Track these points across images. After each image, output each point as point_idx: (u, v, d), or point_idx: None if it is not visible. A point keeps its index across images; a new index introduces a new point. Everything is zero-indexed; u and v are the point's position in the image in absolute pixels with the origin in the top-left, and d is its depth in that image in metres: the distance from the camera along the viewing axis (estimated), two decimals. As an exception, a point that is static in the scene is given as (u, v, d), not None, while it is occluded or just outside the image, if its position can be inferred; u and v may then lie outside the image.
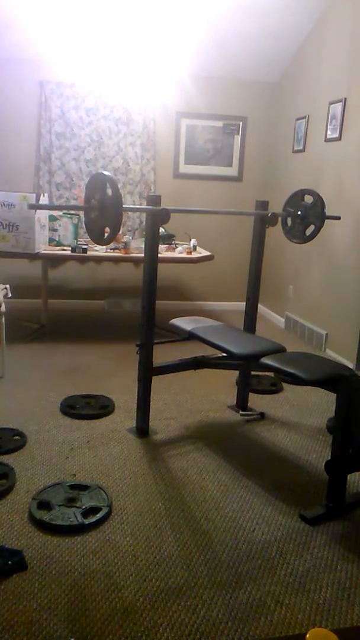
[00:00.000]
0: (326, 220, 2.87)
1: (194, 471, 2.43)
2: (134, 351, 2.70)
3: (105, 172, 2.33)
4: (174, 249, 4.32)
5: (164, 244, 4.30)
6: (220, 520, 2.09)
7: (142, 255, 2.65)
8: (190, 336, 2.78)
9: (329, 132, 4.04)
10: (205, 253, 4.34)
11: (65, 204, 4.90)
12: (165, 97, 4.91)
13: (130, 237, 4.55)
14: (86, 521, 1.99)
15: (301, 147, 4.55)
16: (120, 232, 3.97)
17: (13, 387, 3.28)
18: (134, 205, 5.01)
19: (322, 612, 1.66)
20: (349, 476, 2.18)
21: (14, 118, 4.74)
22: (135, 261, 4.48)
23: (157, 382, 2.81)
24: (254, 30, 4.34)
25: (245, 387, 3.14)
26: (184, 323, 2.91)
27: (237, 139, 5.21)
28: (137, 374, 2.71)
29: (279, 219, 2.93)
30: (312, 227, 2.91)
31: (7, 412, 2.91)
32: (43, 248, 3.99)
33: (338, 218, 3.09)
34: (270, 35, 4.44)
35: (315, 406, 3.17)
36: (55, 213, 4.18)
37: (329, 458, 2.14)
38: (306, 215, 2.91)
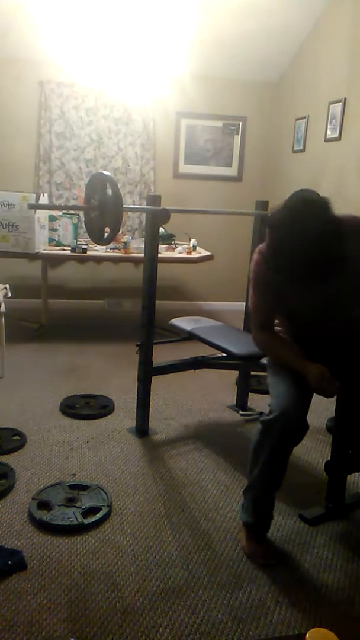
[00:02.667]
0: (326, 220, 2.86)
1: (193, 471, 2.43)
2: (134, 351, 2.70)
3: (105, 172, 2.34)
4: (173, 249, 4.32)
5: (164, 244, 4.30)
6: (220, 520, 2.09)
7: (142, 255, 2.65)
8: (190, 336, 2.78)
9: (328, 132, 4.04)
10: (205, 253, 4.34)
11: (65, 204, 4.90)
12: (165, 97, 4.91)
13: (130, 237, 4.55)
14: (86, 521, 1.99)
15: (301, 147, 4.55)
16: (120, 232, 3.97)
17: (13, 387, 3.28)
18: (134, 205, 5.01)
19: (322, 612, 1.66)
20: (348, 476, 2.18)
21: (14, 118, 4.73)
22: (135, 261, 4.48)
23: (157, 382, 2.81)
24: (254, 30, 4.34)
25: (245, 387, 3.14)
26: (184, 323, 2.91)
27: (237, 139, 5.21)
28: (137, 374, 2.71)
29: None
30: (312, 227, 2.90)
31: (7, 412, 2.91)
32: (43, 248, 3.99)
33: (338, 218, 3.08)
34: (270, 35, 4.44)
35: (315, 406, 3.16)
36: (55, 213, 4.18)
37: (329, 458, 2.13)
38: (306, 215, 2.90)
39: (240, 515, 2.00)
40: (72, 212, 4.22)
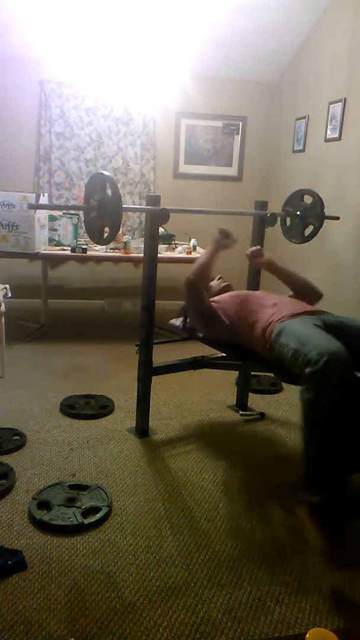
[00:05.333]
0: (326, 221, 2.87)
1: (193, 471, 2.43)
2: (134, 351, 2.71)
3: (105, 172, 2.33)
4: (173, 249, 4.32)
5: (164, 244, 4.30)
6: (220, 520, 2.09)
7: (142, 255, 2.65)
8: (190, 336, 2.78)
9: (328, 132, 4.04)
10: (205, 253, 4.33)
11: (65, 204, 4.90)
12: (165, 97, 4.91)
13: (130, 237, 4.55)
14: (86, 521, 1.99)
15: (301, 147, 4.55)
16: (120, 232, 3.97)
17: (13, 387, 3.28)
18: (133, 205, 5.01)
19: (322, 612, 1.66)
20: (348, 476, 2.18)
21: (14, 118, 4.73)
22: (135, 261, 4.48)
23: (157, 382, 2.81)
24: (254, 30, 4.34)
25: (245, 387, 3.14)
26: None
27: (237, 139, 5.21)
28: (137, 374, 2.71)
29: (278, 219, 2.93)
30: (311, 227, 2.91)
31: (7, 412, 2.91)
32: (43, 248, 3.99)
33: (337, 218, 3.08)
34: (270, 35, 4.44)
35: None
36: (55, 213, 4.18)
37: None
38: (305, 216, 2.91)
39: (310, 502, 1.71)
40: (72, 212, 4.22)
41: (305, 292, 2.57)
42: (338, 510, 1.69)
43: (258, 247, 2.65)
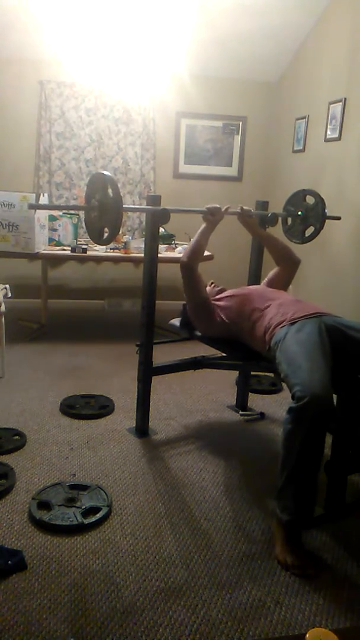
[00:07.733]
0: (326, 221, 2.87)
1: (193, 471, 2.43)
2: (134, 351, 2.71)
3: (105, 172, 2.33)
4: (173, 249, 4.32)
5: (164, 244, 4.30)
6: (220, 520, 2.09)
7: (142, 255, 2.65)
8: (191, 336, 2.78)
9: (328, 132, 4.04)
10: (205, 253, 4.33)
11: (65, 204, 4.90)
12: (165, 97, 4.91)
13: (130, 237, 4.55)
14: (86, 521, 1.99)
15: (301, 147, 4.55)
16: (120, 232, 3.97)
17: (13, 387, 3.28)
18: (134, 205, 5.01)
19: (322, 612, 1.66)
20: (348, 476, 2.18)
21: (14, 118, 4.73)
22: (135, 261, 4.48)
23: (157, 382, 2.81)
24: (254, 30, 4.34)
25: (245, 387, 3.14)
26: (183, 323, 2.90)
27: (237, 139, 5.21)
28: (137, 374, 2.71)
29: (279, 219, 2.93)
30: (311, 229, 2.91)
31: (7, 412, 2.91)
32: (43, 248, 3.99)
33: (338, 218, 3.08)
34: (270, 35, 4.44)
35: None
36: (55, 213, 4.18)
37: (329, 458, 2.13)
38: (307, 216, 2.90)
39: (278, 518, 1.87)
40: (72, 212, 4.22)
41: (285, 256, 2.71)
42: (305, 523, 1.88)
43: (249, 208, 2.73)
